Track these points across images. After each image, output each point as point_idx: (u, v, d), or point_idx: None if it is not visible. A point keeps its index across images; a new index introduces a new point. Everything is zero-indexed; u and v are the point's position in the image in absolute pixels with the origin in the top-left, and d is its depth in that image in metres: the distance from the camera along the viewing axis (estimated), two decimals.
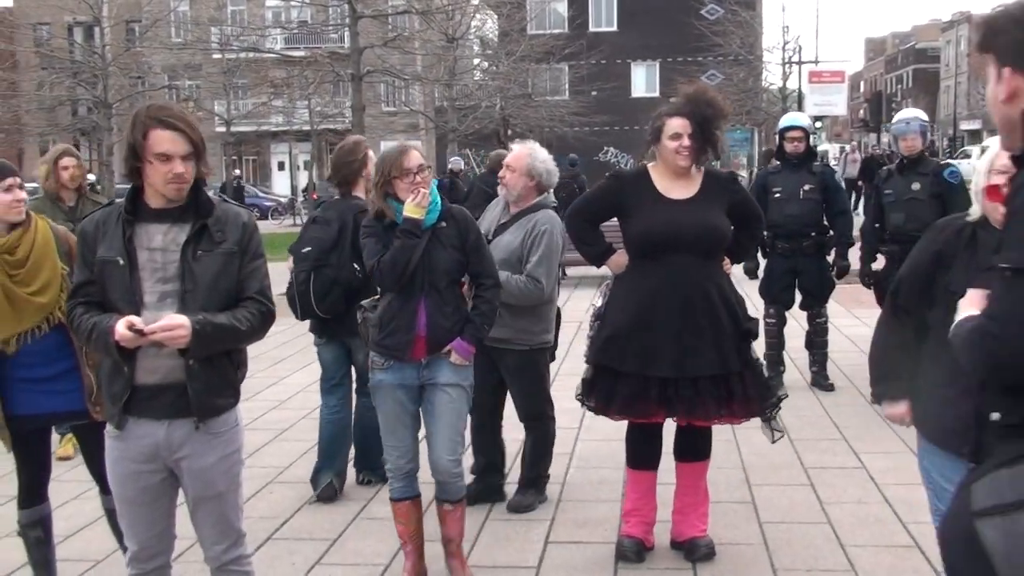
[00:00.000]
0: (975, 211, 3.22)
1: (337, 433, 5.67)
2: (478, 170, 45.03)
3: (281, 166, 48.15)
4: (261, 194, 41.00)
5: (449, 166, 20.12)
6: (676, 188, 4.51)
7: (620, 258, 4.64)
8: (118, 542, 4.39)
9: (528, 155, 5.20)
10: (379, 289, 4.39)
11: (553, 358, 5.47)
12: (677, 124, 4.45)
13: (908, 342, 3.46)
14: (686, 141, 4.41)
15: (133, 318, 3.06)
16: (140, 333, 3.02)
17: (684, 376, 4.36)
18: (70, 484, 5.81)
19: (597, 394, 4.55)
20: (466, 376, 4.35)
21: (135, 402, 3.20)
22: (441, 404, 4.31)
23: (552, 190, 5.36)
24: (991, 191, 3.00)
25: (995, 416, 2.04)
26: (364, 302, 4.57)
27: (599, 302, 4.73)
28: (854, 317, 10.62)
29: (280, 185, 46.61)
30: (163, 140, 3.09)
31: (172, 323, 3.05)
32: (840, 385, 7.91)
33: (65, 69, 32.98)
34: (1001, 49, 2.10)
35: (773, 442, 4.68)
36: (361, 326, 4.54)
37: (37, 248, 3.98)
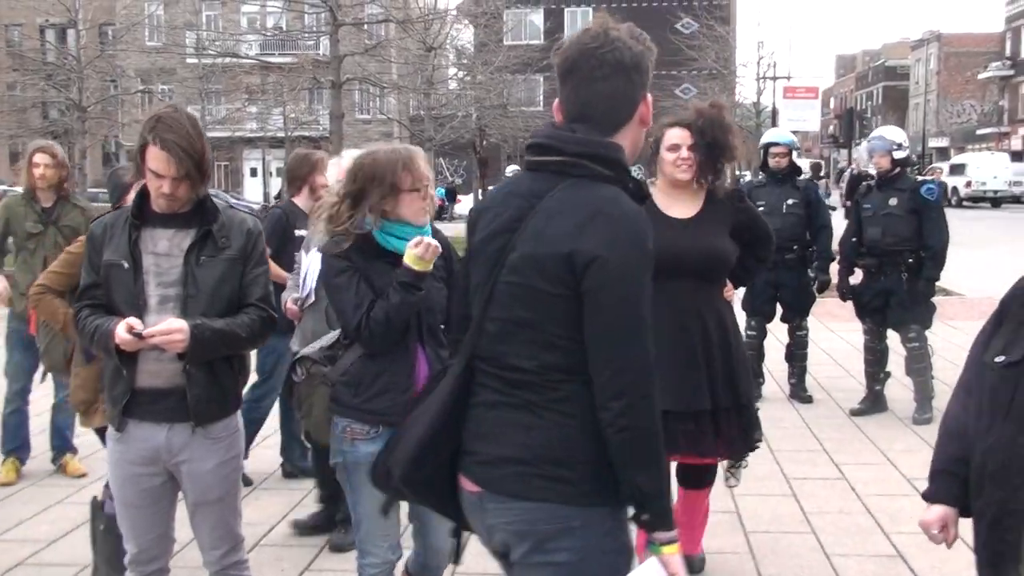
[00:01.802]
0: None
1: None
2: (452, 179, 45.23)
3: (253, 172, 48.00)
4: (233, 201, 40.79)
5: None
6: (676, 206, 4.24)
7: None
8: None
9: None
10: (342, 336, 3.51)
11: None
12: (676, 135, 4.22)
13: None
14: (685, 152, 4.17)
15: (133, 320, 3.07)
16: (139, 336, 3.04)
17: (684, 410, 4.02)
18: (55, 489, 5.80)
19: None
20: None
21: (136, 405, 3.21)
22: None
23: None
24: None
25: None
26: (307, 351, 3.61)
27: None
28: (830, 331, 10.74)
29: (252, 192, 46.46)
30: (156, 159, 3.09)
31: (170, 327, 3.07)
32: (818, 398, 8.00)
33: (38, 71, 32.73)
34: None
35: (728, 486, 4.63)
36: (302, 385, 3.58)
37: None
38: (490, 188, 3.56)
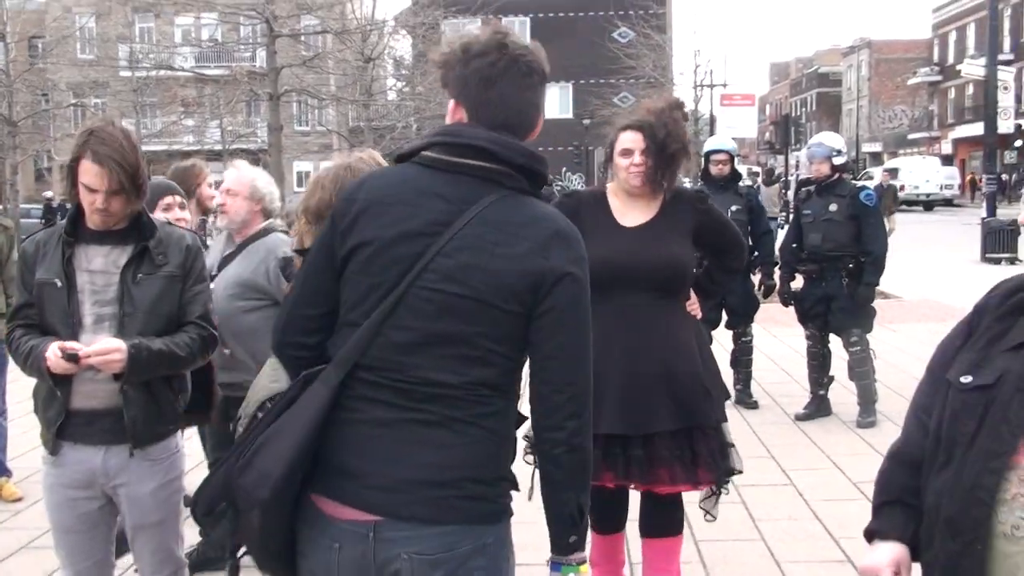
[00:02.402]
0: None
1: None
2: None
3: None
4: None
5: None
6: (631, 213, 3.93)
7: None
8: None
9: (251, 178, 4.51)
10: None
11: None
12: (628, 139, 3.88)
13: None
14: (637, 158, 3.84)
15: (68, 343, 2.98)
16: (74, 359, 2.94)
17: (635, 433, 3.74)
18: None
19: None
20: None
21: (71, 427, 3.12)
22: None
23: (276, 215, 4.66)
24: None
25: None
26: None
27: None
28: (773, 336, 10.82)
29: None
30: (88, 172, 3.01)
31: (107, 347, 2.98)
32: (764, 403, 8.04)
33: None
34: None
35: (707, 520, 4.22)
36: None
37: None
38: (372, 176, 2.36)
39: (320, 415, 2.11)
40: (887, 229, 22.46)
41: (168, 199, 3.85)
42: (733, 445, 4.00)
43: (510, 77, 2.23)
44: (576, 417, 2.14)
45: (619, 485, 3.85)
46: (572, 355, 2.16)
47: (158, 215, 3.85)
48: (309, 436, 2.10)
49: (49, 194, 27.37)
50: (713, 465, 3.82)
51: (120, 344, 2.99)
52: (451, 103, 2.30)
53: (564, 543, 2.19)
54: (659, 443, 3.74)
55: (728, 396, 4.04)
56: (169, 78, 30.93)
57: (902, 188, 43.60)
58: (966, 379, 1.95)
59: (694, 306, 4.03)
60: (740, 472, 4.03)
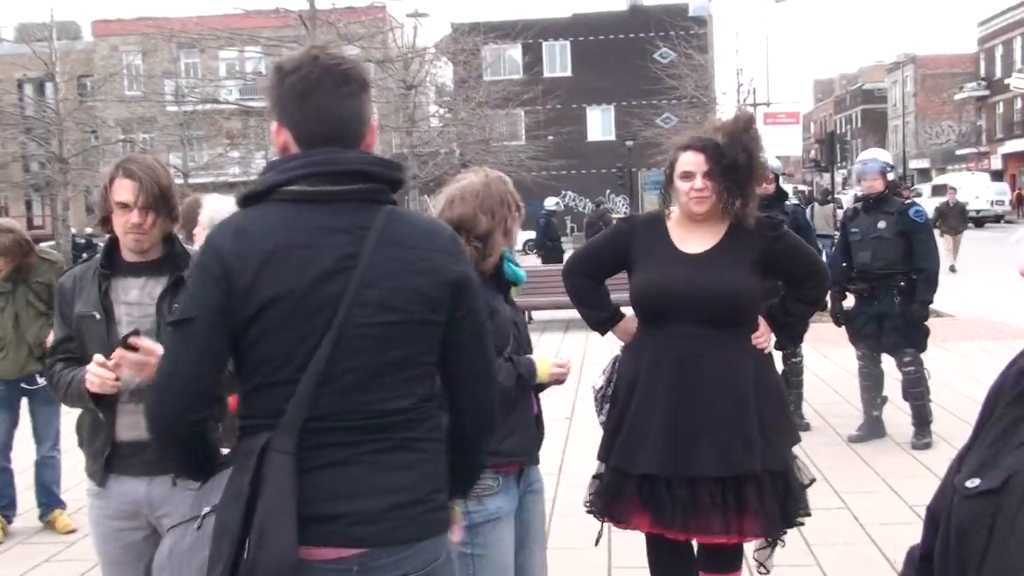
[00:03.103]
0: None
1: None
2: None
3: None
4: None
5: (545, 206, 20.73)
6: (693, 239, 3.60)
7: (628, 324, 3.79)
8: None
9: (209, 211, 4.41)
10: None
11: None
12: (688, 160, 3.56)
13: None
14: (699, 183, 3.52)
15: (100, 357, 2.97)
16: (127, 345, 2.88)
17: (672, 476, 3.47)
18: (44, 546, 5.67)
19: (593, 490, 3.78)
20: None
21: (116, 459, 3.14)
22: (538, 515, 3.33)
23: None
24: None
25: None
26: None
27: (599, 382, 3.84)
28: (823, 356, 10.67)
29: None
30: (122, 189, 3.07)
31: (157, 347, 2.96)
32: (816, 425, 7.91)
33: (17, 125, 32.70)
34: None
35: (760, 573, 3.88)
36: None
37: None
38: (246, 225, 2.05)
39: (296, 483, 2.03)
40: (954, 248, 21.72)
41: None
42: (809, 484, 3.71)
43: (325, 88, 2.16)
44: (495, 402, 2.35)
45: (658, 532, 3.59)
46: (488, 349, 2.32)
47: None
48: (296, 507, 2.02)
49: (75, 230, 27.33)
50: (763, 515, 3.51)
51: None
52: (273, 126, 2.23)
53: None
54: (702, 487, 3.46)
55: (798, 440, 3.73)
56: (214, 111, 31.34)
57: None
58: (972, 483, 1.53)
59: (760, 338, 3.65)
60: (804, 517, 3.74)
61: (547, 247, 20.59)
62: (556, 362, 3.15)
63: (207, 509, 2.09)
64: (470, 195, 3.03)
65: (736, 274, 3.52)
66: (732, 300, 3.52)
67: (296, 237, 2.09)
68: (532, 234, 25.85)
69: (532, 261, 21.24)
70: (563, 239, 22.42)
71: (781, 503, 3.56)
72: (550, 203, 21.50)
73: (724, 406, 3.49)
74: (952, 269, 21.34)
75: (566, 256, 22.26)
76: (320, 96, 2.15)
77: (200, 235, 4.46)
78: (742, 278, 3.53)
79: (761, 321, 3.68)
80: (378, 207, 2.16)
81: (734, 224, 3.59)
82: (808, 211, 20.23)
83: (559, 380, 3.17)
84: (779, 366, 7.93)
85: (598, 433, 3.87)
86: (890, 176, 7.35)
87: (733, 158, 3.46)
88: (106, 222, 3.18)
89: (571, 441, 7.52)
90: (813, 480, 3.73)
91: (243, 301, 2.06)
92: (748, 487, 3.48)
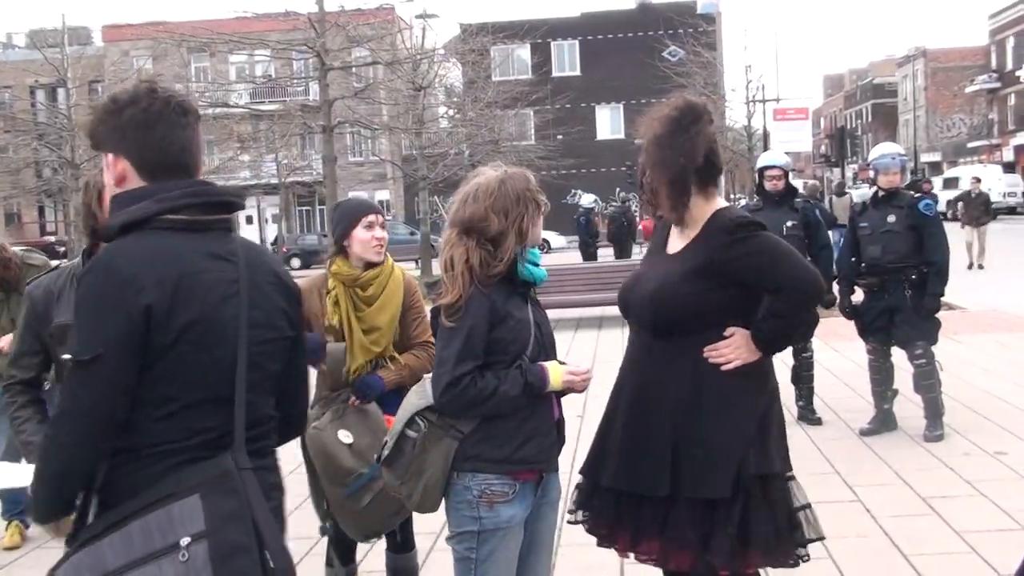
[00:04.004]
0: None
1: None
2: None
3: (249, 220, 48.07)
4: None
5: (582, 205, 20.91)
6: (676, 238, 3.32)
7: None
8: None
9: None
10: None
11: None
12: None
13: None
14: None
15: None
16: None
17: (633, 491, 3.17)
18: (61, 551, 5.69)
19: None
20: None
21: None
22: (549, 526, 3.24)
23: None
24: None
25: None
26: (422, 402, 3.04)
27: None
28: (834, 351, 10.66)
29: (249, 239, 46.51)
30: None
31: None
32: (827, 419, 7.91)
33: (29, 131, 32.86)
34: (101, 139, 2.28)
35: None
36: (419, 441, 3.00)
37: (386, 293, 3.90)
38: (146, 254, 2.04)
39: (264, 494, 2.21)
40: (978, 242, 20.94)
41: (371, 217, 3.81)
42: (803, 508, 3.25)
43: (166, 118, 2.24)
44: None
45: (631, 551, 3.29)
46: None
47: (359, 232, 3.83)
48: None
49: (52, 239, 27.22)
50: (685, 544, 3.07)
51: None
52: (107, 158, 2.26)
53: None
54: (647, 508, 3.13)
55: (765, 469, 3.16)
56: (225, 115, 31.38)
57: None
58: None
59: (715, 351, 3.12)
60: (809, 545, 3.26)
61: (587, 244, 20.50)
62: (570, 370, 3.07)
63: (187, 540, 2.05)
64: (483, 194, 3.00)
65: (680, 281, 3.14)
66: (664, 308, 3.15)
67: (195, 263, 2.18)
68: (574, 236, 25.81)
69: (553, 260, 21.18)
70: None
71: (707, 536, 3.05)
72: (587, 200, 21.28)
73: (634, 418, 3.19)
74: (978, 267, 20.32)
75: (599, 253, 21.78)
76: (163, 127, 2.23)
77: None
78: (684, 285, 3.13)
79: (737, 333, 3.15)
80: (230, 235, 2.32)
81: (707, 224, 3.21)
82: (828, 204, 20.17)
83: (575, 388, 3.08)
84: (789, 361, 7.99)
85: None
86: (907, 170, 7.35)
87: (653, 155, 3.24)
88: (91, 233, 3.16)
89: (583, 439, 7.52)
90: (803, 508, 3.28)
91: (163, 327, 2.10)
92: (673, 510, 3.09)
